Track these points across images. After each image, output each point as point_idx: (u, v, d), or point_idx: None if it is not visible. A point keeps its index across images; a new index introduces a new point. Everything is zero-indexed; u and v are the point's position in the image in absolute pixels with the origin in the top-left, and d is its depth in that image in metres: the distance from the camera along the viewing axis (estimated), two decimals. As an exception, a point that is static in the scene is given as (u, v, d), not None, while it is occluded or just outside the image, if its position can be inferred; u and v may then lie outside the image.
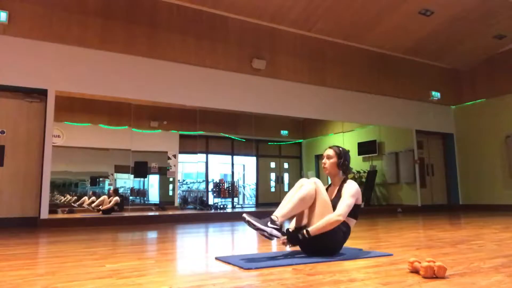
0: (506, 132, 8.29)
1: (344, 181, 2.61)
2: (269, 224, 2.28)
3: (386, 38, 7.72)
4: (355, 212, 2.53)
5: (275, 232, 2.28)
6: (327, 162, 2.66)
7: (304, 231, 2.36)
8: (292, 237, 2.43)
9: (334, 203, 2.53)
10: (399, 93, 8.47)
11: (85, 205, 6.07)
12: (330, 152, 2.68)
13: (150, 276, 1.93)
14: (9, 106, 5.30)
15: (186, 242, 3.38)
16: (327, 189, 2.67)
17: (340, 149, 2.70)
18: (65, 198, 5.91)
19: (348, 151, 2.73)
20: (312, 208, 2.42)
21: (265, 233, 2.26)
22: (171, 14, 6.18)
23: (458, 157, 9.27)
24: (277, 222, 2.31)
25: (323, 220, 2.37)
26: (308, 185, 2.43)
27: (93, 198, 6.18)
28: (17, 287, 1.72)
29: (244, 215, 2.29)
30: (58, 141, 5.68)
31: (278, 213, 2.35)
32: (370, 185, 8.37)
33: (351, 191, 2.50)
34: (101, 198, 6.14)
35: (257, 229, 2.25)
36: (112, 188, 6.31)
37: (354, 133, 8.52)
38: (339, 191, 2.57)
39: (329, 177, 2.74)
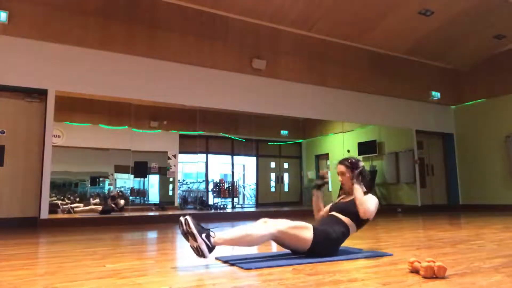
0: (506, 132, 8.29)
1: (365, 194, 2.56)
2: (203, 235, 2.08)
3: (386, 38, 7.72)
4: (361, 223, 2.54)
5: (203, 247, 2.05)
6: (342, 180, 2.65)
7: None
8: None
9: (340, 205, 2.57)
10: (399, 93, 8.47)
11: (89, 207, 6.04)
12: (342, 168, 2.65)
13: (150, 276, 1.93)
14: (9, 106, 5.30)
15: (186, 242, 3.37)
16: (340, 195, 2.73)
17: (350, 161, 2.65)
18: (65, 202, 5.88)
19: (359, 160, 2.70)
20: (287, 245, 2.34)
21: (195, 243, 2.06)
22: (171, 14, 6.18)
23: (458, 157, 9.27)
24: (212, 240, 2.10)
25: (363, 198, 2.45)
26: (264, 229, 2.20)
27: (97, 200, 6.17)
28: (17, 287, 1.71)
29: (187, 216, 2.11)
30: (58, 141, 5.68)
31: (219, 234, 2.15)
32: (370, 185, 8.37)
33: (375, 201, 2.51)
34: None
35: (190, 232, 2.06)
36: (117, 190, 6.31)
37: (354, 133, 8.52)
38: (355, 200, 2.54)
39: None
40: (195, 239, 2.06)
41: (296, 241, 2.27)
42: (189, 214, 2.19)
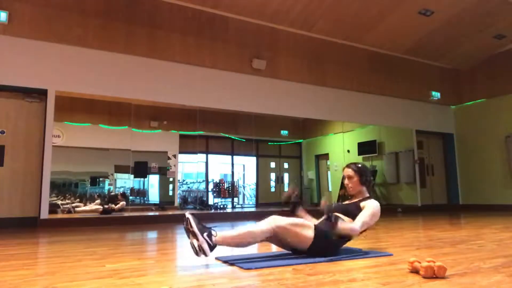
0: (506, 132, 8.29)
1: (367, 198, 2.62)
2: (204, 235, 2.09)
3: (386, 38, 7.72)
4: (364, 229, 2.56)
5: (205, 245, 2.07)
6: (349, 183, 2.66)
7: (333, 217, 2.35)
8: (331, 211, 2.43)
9: (345, 208, 2.58)
10: (399, 93, 8.47)
11: (91, 207, 6.03)
12: (350, 172, 2.67)
13: (150, 276, 1.93)
14: (9, 106, 5.30)
15: (186, 242, 3.37)
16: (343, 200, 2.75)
17: (358, 165, 2.70)
18: (65, 202, 5.87)
19: (366, 166, 2.74)
20: (286, 244, 2.34)
21: (195, 242, 2.08)
22: (171, 14, 6.18)
23: (458, 157, 9.27)
24: (213, 238, 2.11)
25: (347, 225, 2.41)
26: (264, 224, 2.24)
27: (98, 201, 6.16)
28: (17, 287, 1.71)
29: (189, 214, 2.14)
30: (58, 141, 5.68)
31: (220, 233, 2.17)
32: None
33: (372, 210, 2.51)
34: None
35: (191, 231, 2.09)
36: (120, 191, 6.31)
37: (354, 133, 8.52)
38: (358, 202, 2.59)
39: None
40: (197, 238, 2.08)
41: (296, 238, 2.28)
42: (191, 213, 2.20)
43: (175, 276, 1.95)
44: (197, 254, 2.10)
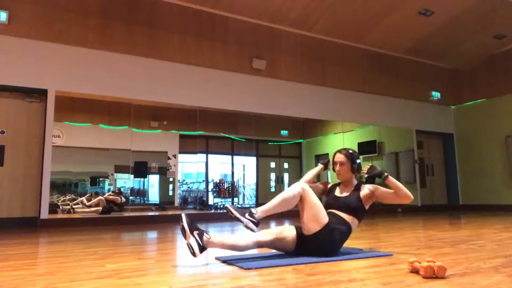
0: (506, 132, 8.29)
1: (359, 185, 2.63)
2: (246, 215, 2.25)
3: (386, 38, 7.72)
4: (361, 216, 2.56)
5: (250, 225, 2.23)
6: (341, 170, 2.61)
7: (385, 173, 2.55)
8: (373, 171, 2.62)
9: (342, 201, 2.55)
10: (399, 93, 8.47)
11: (87, 204, 6.03)
12: (342, 158, 2.62)
13: (150, 276, 1.93)
14: (9, 106, 5.30)
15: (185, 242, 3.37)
16: (333, 187, 2.71)
17: (350, 151, 2.64)
18: (65, 202, 5.86)
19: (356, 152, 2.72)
20: (302, 214, 2.39)
21: (242, 223, 2.24)
22: (171, 14, 6.18)
23: (458, 157, 9.27)
24: (255, 216, 2.26)
25: (403, 188, 2.52)
26: (293, 188, 2.38)
27: (95, 200, 6.16)
28: (17, 287, 1.72)
29: (227, 204, 2.31)
30: (58, 141, 5.68)
31: (260, 208, 2.32)
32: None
33: (383, 189, 2.59)
34: (97, 198, 6.09)
35: (234, 217, 2.25)
36: (115, 188, 6.31)
37: (354, 133, 8.52)
38: (355, 191, 2.58)
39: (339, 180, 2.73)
40: (240, 220, 2.22)
41: (313, 211, 2.35)
42: (186, 214, 2.28)
43: (175, 276, 1.95)
44: (192, 254, 2.15)
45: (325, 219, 2.36)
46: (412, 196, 2.54)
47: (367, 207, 2.58)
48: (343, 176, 2.63)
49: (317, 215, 2.34)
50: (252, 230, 2.25)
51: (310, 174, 2.82)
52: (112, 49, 5.73)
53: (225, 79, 6.60)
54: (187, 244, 2.17)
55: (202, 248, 2.15)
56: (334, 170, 2.68)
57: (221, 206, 7.40)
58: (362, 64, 7.99)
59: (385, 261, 2.26)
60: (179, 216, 2.26)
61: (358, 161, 2.64)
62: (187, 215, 2.25)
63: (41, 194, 5.09)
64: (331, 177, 6.81)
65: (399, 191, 2.53)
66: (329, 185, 2.78)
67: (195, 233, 2.17)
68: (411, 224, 5.05)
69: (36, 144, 5.32)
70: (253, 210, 2.27)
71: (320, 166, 2.85)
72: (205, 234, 2.18)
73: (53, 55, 5.37)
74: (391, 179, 2.56)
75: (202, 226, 2.28)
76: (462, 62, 8.95)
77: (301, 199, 2.36)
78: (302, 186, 2.38)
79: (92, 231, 4.40)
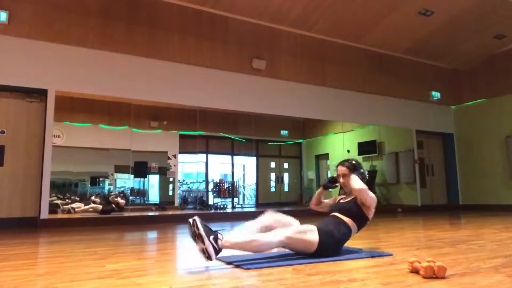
0: (506, 132, 8.29)
1: None
2: (211, 238, 2.05)
3: (386, 38, 7.72)
4: (362, 224, 2.56)
5: (210, 249, 2.03)
6: (345, 181, 2.65)
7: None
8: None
9: (341, 205, 2.59)
10: (399, 93, 8.47)
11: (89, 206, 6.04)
12: (344, 170, 2.66)
13: (150, 276, 1.93)
14: (9, 106, 5.30)
15: (186, 242, 3.37)
16: (341, 198, 2.75)
17: (352, 162, 2.68)
18: (65, 202, 5.85)
19: (359, 162, 2.73)
20: (295, 248, 2.33)
21: (202, 245, 2.04)
22: (171, 14, 6.17)
23: (458, 157, 9.27)
24: (220, 243, 2.07)
25: (361, 186, 2.48)
26: (270, 237, 2.19)
27: (97, 199, 6.16)
28: (17, 287, 1.72)
29: (196, 217, 2.11)
30: (58, 141, 5.68)
31: (228, 237, 2.13)
32: (370, 186, 8.36)
33: (370, 194, 2.51)
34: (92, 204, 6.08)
35: (198, 234, 2.05)
36: (119, 191, 6.31)
37: (354, 133, 8.52)
38: (355, 198, 2.57)
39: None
40: (203, 241, 2.04)
41: (303, 244, 2.28)
42: (197, 215, 2.17)
43: (175, 276, 1.95)
44: (202, 253, 2.06)
45: (313, 234, 2.29)
46: (361, 186, 2.50)
47: (369, 215, 2.56)
48: (348, 187, 2.67)
49: (305, 241, 2.26)
50: (209, 257, 2.03)
51: (316, 200, 2.85)
52: (112, 49, 5.73)
53: (225, 79, 6.60)
54: (202, 249, 2.04)
55: (218, 252, 2.07)
56: (338, 182, 2.75)
57: (221, 206, 7.41)
58: (362, 64, 7.98)
59: (385, 261, 2.26)
60: (192, 219, 2.09)
61: (361, 170, 2.66)
62: (201, 219, 2.10)
63: (41, 194, 5.08)
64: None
65: (354, 191, 2.54)
66: (338, 198, 2.81)
67: (211, 238, 2.06)
68: (411, 224, 5.05)
69: (36, 144, 5.32)
70: (219, 236, 2.10)
71: (320, 188, 2.85)
72: (218, 236, 2.10)
73: (53, 55, 5.37)
74: (352, 181, 2.56)
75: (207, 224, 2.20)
76: (462, 62, 8.95)
77: (286, 246, 2.27)
78: (284, 235, 2.20)
79: (92, 231, 4.40)
